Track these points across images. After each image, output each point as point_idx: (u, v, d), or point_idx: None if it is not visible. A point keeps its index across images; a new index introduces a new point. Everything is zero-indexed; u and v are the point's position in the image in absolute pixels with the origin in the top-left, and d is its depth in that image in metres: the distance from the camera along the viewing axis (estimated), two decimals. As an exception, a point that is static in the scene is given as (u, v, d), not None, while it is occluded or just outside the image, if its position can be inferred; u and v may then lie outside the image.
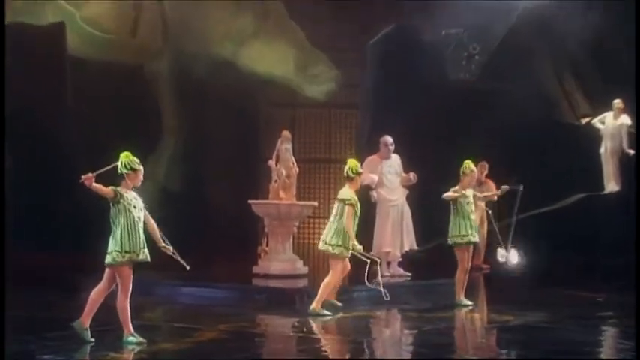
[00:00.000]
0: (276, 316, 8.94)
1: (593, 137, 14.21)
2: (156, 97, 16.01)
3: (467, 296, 9.90)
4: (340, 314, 8.94)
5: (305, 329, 8.18)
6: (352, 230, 8.73)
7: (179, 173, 15.45)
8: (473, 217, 9.72)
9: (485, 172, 13.39)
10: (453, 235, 9.69)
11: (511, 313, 9.22)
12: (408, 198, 11.29)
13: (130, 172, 7.06)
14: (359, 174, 8.95)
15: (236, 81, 15.65)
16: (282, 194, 11.06)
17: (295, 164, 11.24)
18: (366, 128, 15.82)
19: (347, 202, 8.73)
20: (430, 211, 14.46)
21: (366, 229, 11.69)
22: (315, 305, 8.78)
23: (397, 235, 11.10)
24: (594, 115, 14.61)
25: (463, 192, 9.64)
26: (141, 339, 7.16)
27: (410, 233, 11.19)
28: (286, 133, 11.32)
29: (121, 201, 7.02)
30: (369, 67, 15.99)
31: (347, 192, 8.81)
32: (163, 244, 7.23)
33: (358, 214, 8.85)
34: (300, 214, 11.30)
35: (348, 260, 8.89)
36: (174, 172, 15.47)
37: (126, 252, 7.05)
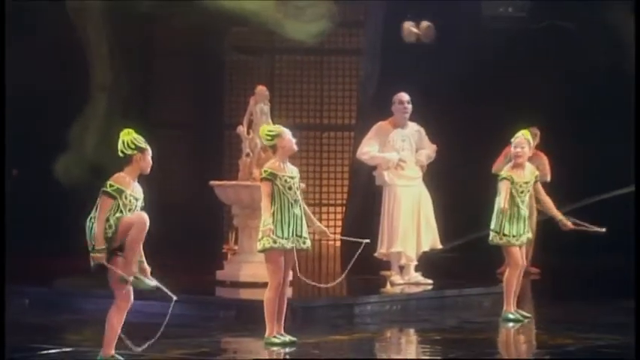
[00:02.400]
0: (247, 338, 9.00)
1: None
2: (82, 41, 15.98)
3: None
4: (337, 336, 9.02)
5: (287, 356, 8.24)
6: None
7: (115, 143, 15.45)
8: (525, 210, 9.79)
9: (537, 142, 13.47)
10: (499, 232, 9.75)
11: (570, 335, 9.30)
12: (424, 180, 11.34)
13: (136, 152, 7.45)
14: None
15: (193, 18, 15.63)
16: (256, 173, 11.08)
17: (274, 132, 11.26)
18: (372, 84, 15.86)
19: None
20: (456, 197, 14.63)
21: (369, 223, 11.77)
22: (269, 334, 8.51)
23: (412, 230, 11.17)
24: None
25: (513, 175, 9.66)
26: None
27: (430, 228, 11.25)
28: (261, 90, 11.35)
29: (122, 199, 7.39)
30: (375, -1, 16.02)
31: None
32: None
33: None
34: (282, 200, 11.34)
35: None
36: (108, 143, 15.46)
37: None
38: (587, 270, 12.90)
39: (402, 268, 11.18)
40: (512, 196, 9.70)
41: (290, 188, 8.29)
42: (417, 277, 11.17)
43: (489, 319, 10.19)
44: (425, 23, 10.41)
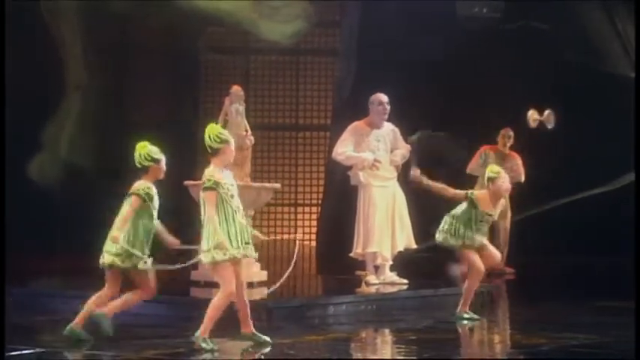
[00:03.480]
0: (222, 338, 8.95)
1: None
2: (57, 40, 15.90)
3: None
4: (312, 336, 8.99)
5: (262, 357, 8.20)
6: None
7: (89, 143, 15.40)
8: (486, 229, 9.78)
9: (510, 143, 13.50)
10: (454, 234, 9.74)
11: (543, 335, 9.30)
12: (399, 180, 11.32)
13: (151, 163, 8.28)
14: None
15: (168, 18, 15.58)
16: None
17: (249, 132, 11.23)
18: (348, 84, 15.85)
19: None
20: (431, 197, 14.59)
21: (344, 223, 11.73)
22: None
23: (387, 230, 11.15)
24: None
25: (490, 212, 9.64)
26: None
27: (405, 228, 11.24)
28: (237, 90, 11.31)
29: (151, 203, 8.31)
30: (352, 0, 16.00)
31: None
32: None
33: None
34: (257, 201, 11.30)
35: None
36: (82, 142, 15.42)
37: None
38: (561, 270, 12.92)
39: (377, 268, 11.16)
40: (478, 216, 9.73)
41: (232, 196, 8.09)
42: (392, 276, 11.15)
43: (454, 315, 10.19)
44: (547, 111, 10.71)
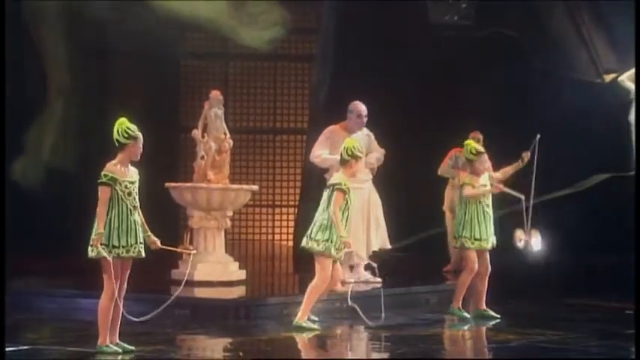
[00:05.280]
0: (202, 336, 8.99)
1: (621, 100, 14.47)
2: (38, 45, 15.86)
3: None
4: (288, 334, 9.04)
5: (241, 354, 8.25)
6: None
7: (71, 147, 15.37)
8: (490, 213, 9.93)
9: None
10: (462, 235, 9.87)
11: (512, 331, 9.38)
12: (374, 181, 11.39)
13: (129, 140, 7.78)
14: (354, 157, 9.17)
15: (147, 24, 15.56)
16: (210, 175, 11.09)
17: (228, 135, 11.27)
18: (324, 89, 15.88)
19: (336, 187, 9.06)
20: (405, 198, 14.69)
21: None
22: (299, 317, 9.09)
23: (363, 230, 11.21)
24: (622, 71, 14.87)
25: (477, 181, 9.84)
26: (115, 348, 7.85)
27: (380, 229, 11.30)
28: (216, 94, 11.34)
29: (116, 187, 7.73)
30: (327, 7, 16.04)
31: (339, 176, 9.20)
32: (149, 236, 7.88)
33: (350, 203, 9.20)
34: (236, 202, 11.34)
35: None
36: (63, 146, 15.38)
37: (113, 247, 7.68)
38: (531, 269, 12.94)
39: (352, 267, 11.21)
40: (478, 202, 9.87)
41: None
42: (367, 275, 11.21)
43: (436, 316, 10.27)
44: (533, 231, 10.75)
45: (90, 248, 7.72)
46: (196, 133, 11.17)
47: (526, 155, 10.30)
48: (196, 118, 11.35)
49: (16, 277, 11.61)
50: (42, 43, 15.84)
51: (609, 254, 13.37)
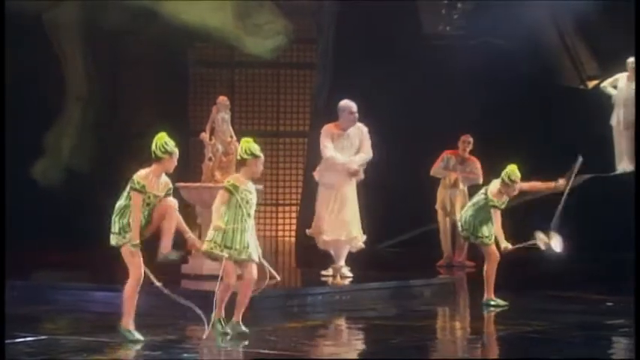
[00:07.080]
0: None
1: (603, 105, 14.46)
2: (58, 54, 15.88)
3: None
4: (291, 323, 9.05)
5: (246, 342, 8.25)
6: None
7: (88, 150, 15.40)
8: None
9: (470, 148, 13.59)
10: (482, 235, 9.96)
11: (500, 322, 9.38)
12: (363, 181, 11.36)
13: (165, 155, 7.76)
14: (254, 156, 8.94)
15: (159, 34, 15.59)
16: (218, 175, 11.09)
17: (235, 138, 11.27)
18: (324, 94, 15.91)
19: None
20: (400, 197, 14.71)
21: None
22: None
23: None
24: (604, 78, 14.87)
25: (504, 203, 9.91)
26: (138, 336, 7.83)
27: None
28: (223, 100, 11.34)
29: (144, 197, 7.77)
30: (327, 18, 16.06)
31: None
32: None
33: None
34: (241, 201, 11.32)
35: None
36: (81, 149, 15.41)
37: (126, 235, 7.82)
38: (516, 262, 12.94)
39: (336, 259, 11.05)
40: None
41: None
42: (343, 269, 11.09)
43: (429, 308, 10.27)
44: (554, 235, 10.60)
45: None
46: (204, 136, 11.17)
47: (563, 183, 10.13)
48: (204, 122, 11.35)
49: (35, 270, 11.65)
50: (61, 53, 15.89)
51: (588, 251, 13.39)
